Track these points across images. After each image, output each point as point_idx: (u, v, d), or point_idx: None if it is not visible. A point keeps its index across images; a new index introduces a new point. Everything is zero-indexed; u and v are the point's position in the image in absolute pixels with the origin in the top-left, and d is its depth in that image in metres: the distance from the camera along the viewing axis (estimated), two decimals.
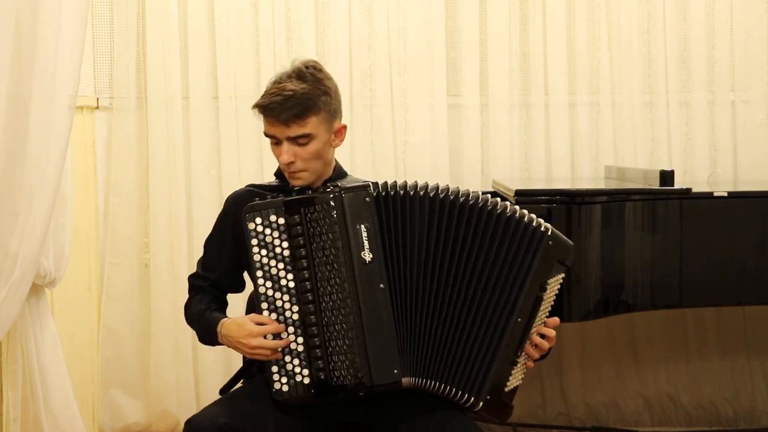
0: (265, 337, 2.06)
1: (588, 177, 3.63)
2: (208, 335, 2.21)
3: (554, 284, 2.11)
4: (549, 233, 2.08)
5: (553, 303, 2.13)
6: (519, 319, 2.06)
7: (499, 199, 2.09)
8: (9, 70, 2.57)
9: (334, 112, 2.19)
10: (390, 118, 3.61)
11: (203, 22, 3.55)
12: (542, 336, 2.14)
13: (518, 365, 2.10)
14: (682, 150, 3.66)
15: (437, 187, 2.08)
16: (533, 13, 3.63)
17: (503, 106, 3.62)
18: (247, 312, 2.28)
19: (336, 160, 2.30)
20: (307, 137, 2.14)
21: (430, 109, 3.61)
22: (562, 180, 3.57)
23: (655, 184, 2.84)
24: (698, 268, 2.79)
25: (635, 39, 3.64)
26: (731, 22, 3.66)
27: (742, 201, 2.85)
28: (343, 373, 2.03)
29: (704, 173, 3.65)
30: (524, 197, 2.70)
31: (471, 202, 2.07)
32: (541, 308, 2.10)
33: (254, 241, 2.07)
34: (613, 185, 3.14)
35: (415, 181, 2.10)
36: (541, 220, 2.09)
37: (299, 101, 2.11)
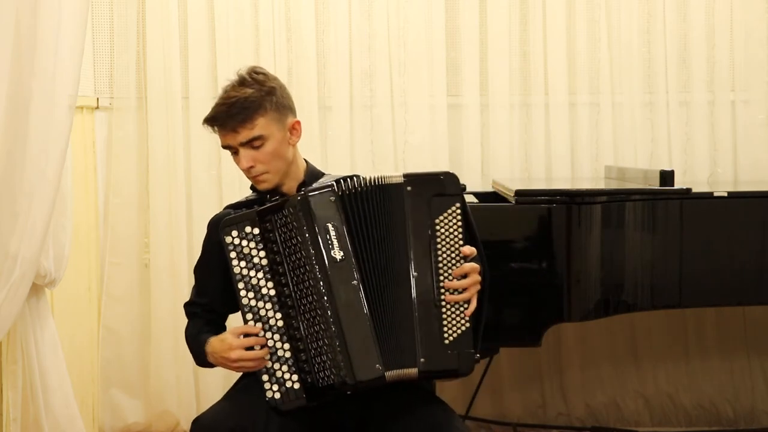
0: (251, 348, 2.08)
1: (588, 177, 3.63)
2: (200, 358, 2.23)
3: (446, 219, 2.08)
4: (404, 180, 2.09)
5: (459, 235, 2.09)
6: (416, 273, 2.06)
7: (376, 175, 2.10)
8: (9, 70, 2.57)
9: (283, 109, 2.20)
10: (390, 118, 3.61)
11: (203, 22, 3.55)
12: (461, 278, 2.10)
13: (447, 313, 2.07)
14: (682, 150, 3.66)
15: (381, 178, 2.10)
16: (533, 13, 3.63)
17: (503, 106, 3.62)
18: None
19: (306, 161, 2.31)
20: (260, 139, 2.16)
21: (430, 109, 3.61)
22: (562, 180, 3.57)
23: (655, 184, 2.84)
24: (698, 268, 2.78)
25: (635, 39, 3.64)
26: (731, 22, 3.66)
27: (742, 201, 2.85)
28: (327, 374, 2.04)
29: (704, 173, 3.65)
30: (524, 197, 2.70)
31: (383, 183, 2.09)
32: (441, 250, 2.07)
33: (233, 254, 2.09)
34: (613, 185, 3.14)
35: (373, 176, 2.11)
36: (396, 174, 2.10)
37: (243, 105, 2.14)
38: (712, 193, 2.84)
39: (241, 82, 2.19)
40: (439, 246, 2.08)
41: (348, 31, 3.58)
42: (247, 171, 2.20)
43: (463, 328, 2.08)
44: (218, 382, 3.51)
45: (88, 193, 3.52)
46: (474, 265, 2.10)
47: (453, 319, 2.08)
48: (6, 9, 2.54)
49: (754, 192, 2.92)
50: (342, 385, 2.03)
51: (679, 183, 2.85)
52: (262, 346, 2.08)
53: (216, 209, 3.54)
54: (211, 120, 2.18)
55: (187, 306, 2.34)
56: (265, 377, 2.08)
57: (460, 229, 2.09)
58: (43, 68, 2.61)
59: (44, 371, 2.88)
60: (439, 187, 2.09)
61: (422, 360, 2.05)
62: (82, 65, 2.77)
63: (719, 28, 3.65)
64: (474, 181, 3.58)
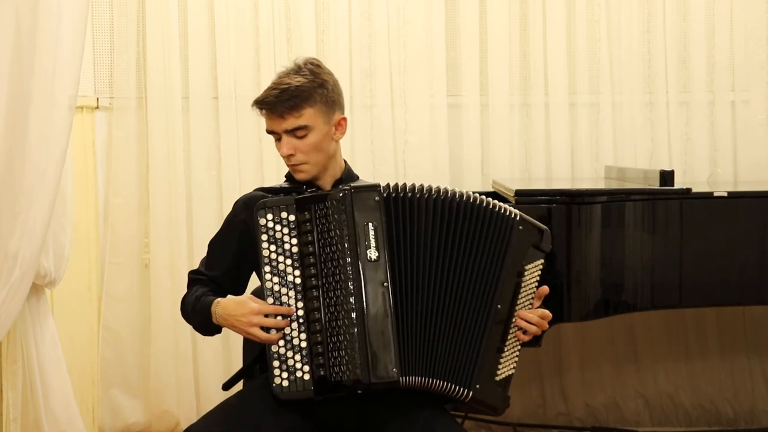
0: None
1: (588, 177, 3.63)
2: (203, 317, 2.20)
3: (532, 270, 2.15)
4: (518, 218, 2.15)
5: (535, 289, 2.17)
6: (499, 306, 2.11)
7: (480, 196, 2.15)
8: (9, 70, 2.57)
9: (332, 104, 2.22)
10: (390, 118, 3.61)
11: (203, 22, 3.55)
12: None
13: (506, 353, 2.13)
14: (682, 150, 3.66)
15: (438, 189, 2.13)
16: (533, 12, 3.63)
17: (503, 106, 3.62)
18: None
19: (346, 162, 2.33)
20: (305, 129, 2.18)
21: (430, 109, 3.61)
22: (562, 180, 3.57)
23: (655, 184, 2.84)
24: (698, 268, 2.79)
25: (635, 39, 3.65)
26: (731, 22, 3.66)
27: (742, 201, 2.85)
28: (342, 369, 2.03)
29: (704, 173, 3.65)
30: (524, 197, 2.70)
31: (457, 200, 2.12)
32: (521, 294, 2.14)
33: (264, 237, 2.10)
34: (613, 185, 3.14)
35: (422, 184, 2.13)
36: (510, 207, 2.16)
37: (294, 93, 2.16)
38: (712, 193, 2.84)
39: (296, 70, 2.21)
40: (522, 290, 2.14)
41: (348, 31, 3.58)
42: (287, 158, 2.22)
43: (511, 371, 2.15)
44: (218, 383, 3.48)
45: (88, 193, 3.52)
46: (549, 314, 2.18)
47: (508, 359, 2.15)
48: (6, 9, 2.55)
49: (754, 192, 2.92)
50: (355, 383, 2.03)
51: (679, 183, 2.86)
52: (292, 327, 2.08)
53: (216, 209, 3.56)
54: (261, 103, 2.20)
55: (193, 273, 2.34)
56: (276, 363, 2.07)
57: (537, 283, 2.17)
58: (43, 68, 2.61)
59: (44, 371, 2.89)
60: (539, 240, 2.17)
61: (477, 386, 2.09)
62: (82, 65, 2.78)
63: (719, 29, 3.65)
64: (474, 181, 3.58)
